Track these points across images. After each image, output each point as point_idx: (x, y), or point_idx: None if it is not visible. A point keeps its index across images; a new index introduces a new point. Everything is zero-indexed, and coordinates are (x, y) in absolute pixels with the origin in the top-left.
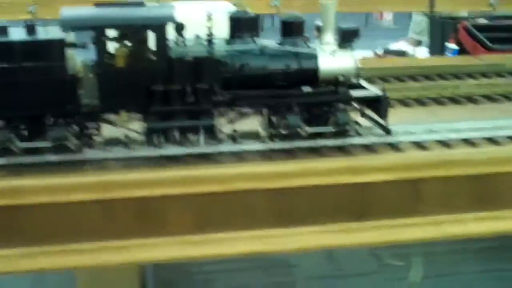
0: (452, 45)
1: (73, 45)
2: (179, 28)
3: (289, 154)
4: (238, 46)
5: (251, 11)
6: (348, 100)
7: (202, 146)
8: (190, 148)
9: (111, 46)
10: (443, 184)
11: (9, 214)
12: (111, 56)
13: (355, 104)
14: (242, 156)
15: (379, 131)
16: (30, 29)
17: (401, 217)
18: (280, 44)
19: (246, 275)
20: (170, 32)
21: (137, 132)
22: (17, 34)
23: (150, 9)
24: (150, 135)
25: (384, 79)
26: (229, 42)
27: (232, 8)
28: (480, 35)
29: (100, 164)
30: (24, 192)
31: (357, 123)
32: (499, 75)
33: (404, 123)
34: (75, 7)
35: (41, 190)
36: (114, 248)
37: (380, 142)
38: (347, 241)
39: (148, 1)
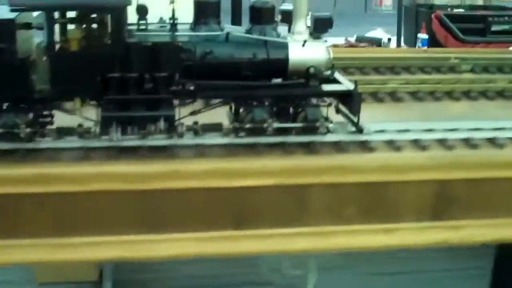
0: (423, 35)
1: (27, 26)
2: (141, 10)
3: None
4: (203, 32)
5: None
6: (318, 94)
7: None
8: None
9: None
10: (331, 192)
11: None
12: (66, 39)
13: (328, 99)
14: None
15: (352, 128)
16: None
17: (286, 226)
18: (248, 31)
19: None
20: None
21: (92, 121)
22: None
23: None
24: (105, 125)
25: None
26: (193, 27)
27: None
28: (453, 26)
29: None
30: None
31: (327, 119)
32: (438, 70)
33: None
34: None
35: None
36: None
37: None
38: (224, 250)
39: None
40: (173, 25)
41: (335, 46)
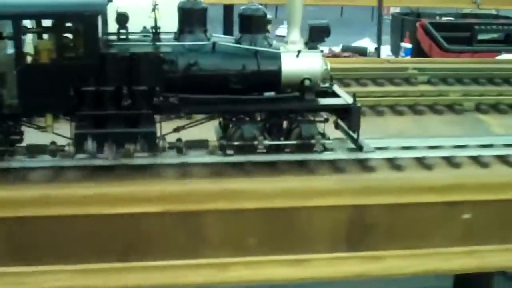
0: (406, 44)
1: None
2: (121, 19)
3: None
4: (187, 41)
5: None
6: (314, 108)
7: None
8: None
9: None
10: (229, 219)
11: None
12: (36, 50)
13: (324, 114)
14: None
15: (351, 145)
16: None
17: (177, 258)
18: (237, 41)
19: None
20: (111, 23)
21: (66, 138)
22: None
23: None
24: (80, 143)
25: None
26: (177, 36)
27: None
28: (437, 35)
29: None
30: None
31: (323, 135)
32: (392, 82)
33: None
34: None
35: None
36: None
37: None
38: (107, 283)
39: None
40: (155, 34)
41: None
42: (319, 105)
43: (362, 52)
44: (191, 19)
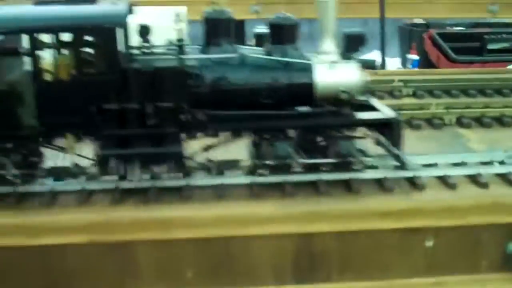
0: (413, 56)
1: (11, 52)
2: (143, 31)
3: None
4: (214, 54)
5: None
6: (352, 123)
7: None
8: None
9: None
10: (160, 250)
11: None
12: (55, 65)
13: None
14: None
15: (393, 162)
16: None
17: None
18: (267, 52)
19: None
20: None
21: (89, 160)
22: None
23: (100, 8)
24: (104, 164)
25: None
26: (203, 49)
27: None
28: (445, 45)
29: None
30: None
31: (362, 152)
32: (374, 95)
33: None
34: (11, 5)
35: None
36: None
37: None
38: None
39: None
40: (180, 48)
41: None
42: (359, 120)
43: (370, 65)
44: (217, 30)
